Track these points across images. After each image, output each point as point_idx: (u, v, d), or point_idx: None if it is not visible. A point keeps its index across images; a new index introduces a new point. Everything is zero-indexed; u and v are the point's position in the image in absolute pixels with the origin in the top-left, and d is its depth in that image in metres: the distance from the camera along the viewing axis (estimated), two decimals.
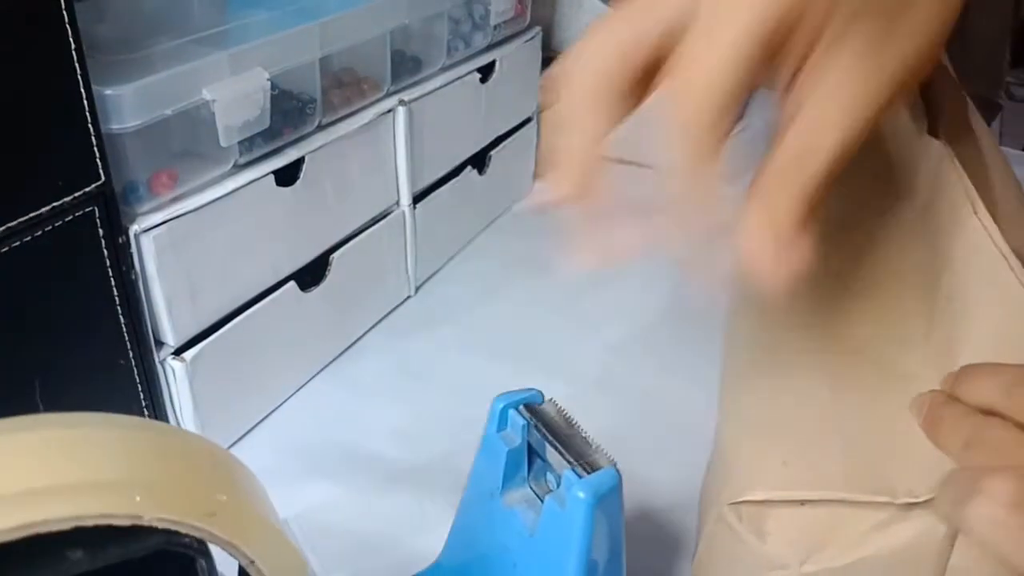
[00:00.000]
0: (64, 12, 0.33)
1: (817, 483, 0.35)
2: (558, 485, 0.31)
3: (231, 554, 0.20)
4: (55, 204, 0.35)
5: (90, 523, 0.17)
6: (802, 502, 0.35)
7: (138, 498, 0.18)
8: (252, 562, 0.20)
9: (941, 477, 0.31)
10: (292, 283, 0.50)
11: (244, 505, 0.20)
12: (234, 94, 0.42)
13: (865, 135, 0.30)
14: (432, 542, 0.38)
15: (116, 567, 0.18)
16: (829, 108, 0.29)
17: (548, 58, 0.77)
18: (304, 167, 0.48)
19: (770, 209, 0.30)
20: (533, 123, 0.75)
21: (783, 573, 0.36)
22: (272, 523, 0.21)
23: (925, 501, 0.32)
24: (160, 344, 0.43)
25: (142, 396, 0.42)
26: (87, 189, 0.36)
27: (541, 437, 0.32)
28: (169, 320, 0.42)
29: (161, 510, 0.18)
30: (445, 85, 0.59)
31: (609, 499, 0.30)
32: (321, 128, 0.50)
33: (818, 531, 0.35)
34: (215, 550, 0.20)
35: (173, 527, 0.18)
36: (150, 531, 0.18)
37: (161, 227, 0.40)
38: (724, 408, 0.46)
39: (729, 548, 0.37)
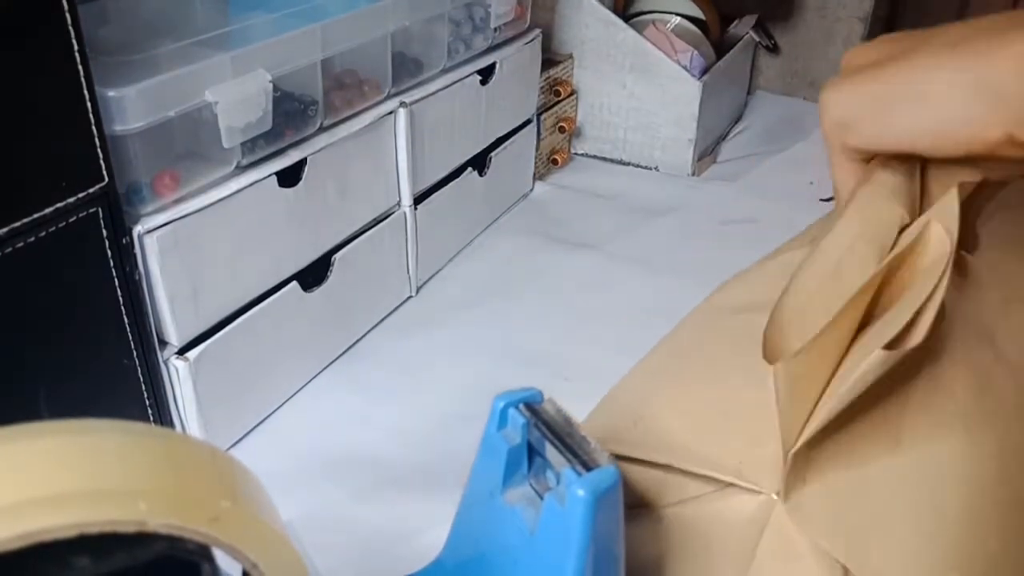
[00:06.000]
0: (67, 15, 0.33)
1: (655, 447, 0.36)
2: (558, 483, 0.31)
3: (234, 558, 0.20)
4: (59, 205, 0.35)
5: (95, 531, 0.17)
6: (641, 461, 0.37)
7: (142, 505, 0.18)
8: (255, 566, 0.20)
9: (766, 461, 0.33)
10: (294, 283, 0.50)
11: (247, 510, 0.20)
12: (236, 96, 0.42)
13: None
14: (433, 541, 0.38)
15: (121, 573, 0.18)
16: None
17: (548, 60, 0.77)
18: (306, 168, 0.49)
19: None
20: (533, 125, 0.75)
21: None
22: (274, 527, 0.21)
23: (744, 485, 0.34)
24: (164, 344, 0.43)
25: (146, 395, 0.42)
26: (91, 190, 0.36)
27: (541, 435, 0.32)
28: (172, 320, 0.42)
29: (165, 517, 0.18)
30: (446, 87, 0.60)
31: (609, 496, 0.30)
32: (323, 129, 0.50)
33: (648, 488, 0.37)
34: (219, 554, 0.20)
35: (177, 533, 0.18)
36: (154, 537, 0.18)
37: (164, 228, 0.40)
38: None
39: None
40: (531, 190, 0.79)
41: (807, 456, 0.32)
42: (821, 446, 0.32)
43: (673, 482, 0.36)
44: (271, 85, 0.44)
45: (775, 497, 0.33)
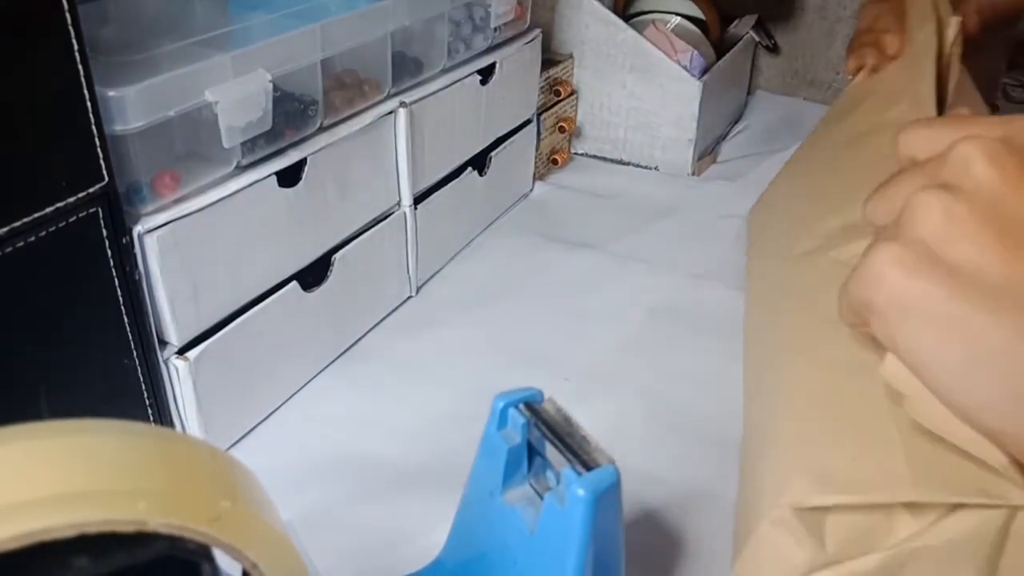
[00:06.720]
0: (67, 14, 0.33)
1: (884, 485, 0.34)
2: (558, 483, 0.31)
3: (234, 558, 0.20)
4: (59, 205, 0.35)
5: (94, 530, 0.17)
6: (862, 506, 0.34)
7: (142, 505, 0.18)
8: (255, 565, 0.20)
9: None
10: (294, 283, 0.50)
11: (247, 509, 0.20)
12: (236, 96, 0.42)
13: None
14: (433, 541, 0.38)
15: (121, 573, 0.18)
16: None
17: (548, 60, 0.77)
18: (306, 168, 0.49)
19: None
20: (533, 124, 0.75)
21: (833, 570, 0.35)
22: (275, 527, 0.21)
23: (988, 503, 0.32)
24: (164, 343, 0.43)
25: (146, 395, 0.42)
26: (90, 190, 0.36)
27: (541, 435, 0.32)
28: (172, 320, 0.42)
29: (165, 516, 0.18)
30: (446, 87, 0.60)
31: (608, 496, 0.30)
32: (323, 129, 0.50)
33: (877, 530, 0.34)
34: (219, 554, 0.20)
35: (177, 533, 0.18)
36: (154, 537, 0.18)
37: (164, 228, 0.40)
38: (762, 397, 0.45)
39: (784, 550, 0.36)
40: (531, 190, 0.79)
41: None
42: None
43: (898, 518, 0.34)
44: (271, 85, 0.44)
45: None
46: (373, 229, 0.56)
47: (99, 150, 0.36)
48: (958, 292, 0.28)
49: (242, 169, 0.45)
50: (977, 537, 0.33)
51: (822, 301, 0.43)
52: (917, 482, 0.33)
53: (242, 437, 0.49)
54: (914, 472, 0.34)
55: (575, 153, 0.86)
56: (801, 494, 0.35)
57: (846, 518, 0.35)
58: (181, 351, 0.44)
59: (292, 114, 0.48)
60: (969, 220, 0.28)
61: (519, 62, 0.69)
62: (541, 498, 0.32)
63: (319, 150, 0.49)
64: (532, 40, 0.70)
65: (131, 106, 0.38)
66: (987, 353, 0.27)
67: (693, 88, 0.79)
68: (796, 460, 0.37)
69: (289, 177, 0.48)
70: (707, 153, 0.86)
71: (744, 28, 0.93)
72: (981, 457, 0.32)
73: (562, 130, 0.80)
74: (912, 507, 0.34)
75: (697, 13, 0.86)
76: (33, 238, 0.34)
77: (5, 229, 0.33)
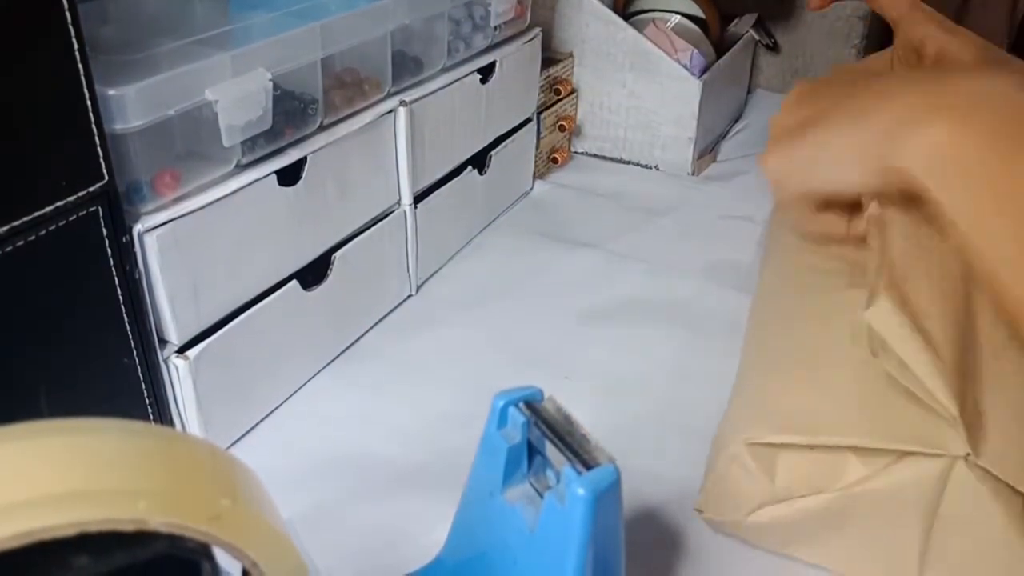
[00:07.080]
0: (68, 13, 0.33)
1: (834, 429, 0.37)
2: (558, 481, 0.31)
3: (234, 557, 0.20)
4: (59, 204, 0.35)
5: (94, 529, 0.17)
6: (811, 447, 0.38)
7: (142, 504, 0.18)
8: (255, 564, 0.20)
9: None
10: (294, 282, 0.50)
11: (247, 509, 0.20)
12: (236, 95, 0.42)
13: None
14: (433, 540, 0.38)
15: (121, 571, 0.18)
16: None
17: (548, 59, 0.77)
18: (306, 167, 0.49)
19: None
20: (533, 123, 0.75)
21: (784, 506, 0.39)
22: (275, 526, 0.21)
23: (928, 452, 0.36)
24: (164, 342, 0.43)
25: (146, 394, 0.42)
26: (91, 189, 0.36)
27: (541, 434, 0.32)
28: (172, 318, 0.42)
29: (165, 515, 0.18)
30: (446, 86, 0.60)
31: (608, 495, 0.30)
32: (323, 128, 0.50)
33: (827, 473, 0.38)
34: (219, 552, 0.20)
35: (177, 532, 0.18)
36: (155, 536, 0.18)
37: (164, 226, 0.40)
38: (748, 353, 0.49)
39: (738, 484, 0.40)
40: (531, 189, 0.79)
41: (981, 416, 0.36)
42: (996, 409, 0.36)
43: (847, 462, 0.38)
44: (271, 84, 0.44)
45: (968, 456, 0.35)
46: (373, 228, 0.56)
47: (99, 149, 0.36)
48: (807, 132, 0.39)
49: (242, 168, 0.45)
50: (919, 484, 0.36)
51: (802, 260, 0.47)
52: (864, 430, 0.37)
53: (242, 436, 0.49)
54: (863, 421, 0.37)
55: (575, 152, 0.86)
56: (755, 432, 0.39)
57: (797, 458, 0.38)
58: (181, 350, 0.44)
59: (292, 113, 0.48)
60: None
61: (519, 61, 0.69)
62: (541, 497, 0.32)
63: (319, 149, 0.49)
64: (532, 39, 0.70)
65: (131, 105, 0.38)
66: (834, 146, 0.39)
67: (693, 87, 0.79)
68: (756, 404, 0.41)
69: (289, 176, 0.48)
70: (707, 152, 0.86)
71: (744, 27, 0.92)
72: (935, 408, 0.35)
73: (562, 129, 0.80)
74: (861, 454, 0.37)
75: (697, 12, 0.86)
76: (33, 237, 0.34)
77: (5, 228, 0.33)
